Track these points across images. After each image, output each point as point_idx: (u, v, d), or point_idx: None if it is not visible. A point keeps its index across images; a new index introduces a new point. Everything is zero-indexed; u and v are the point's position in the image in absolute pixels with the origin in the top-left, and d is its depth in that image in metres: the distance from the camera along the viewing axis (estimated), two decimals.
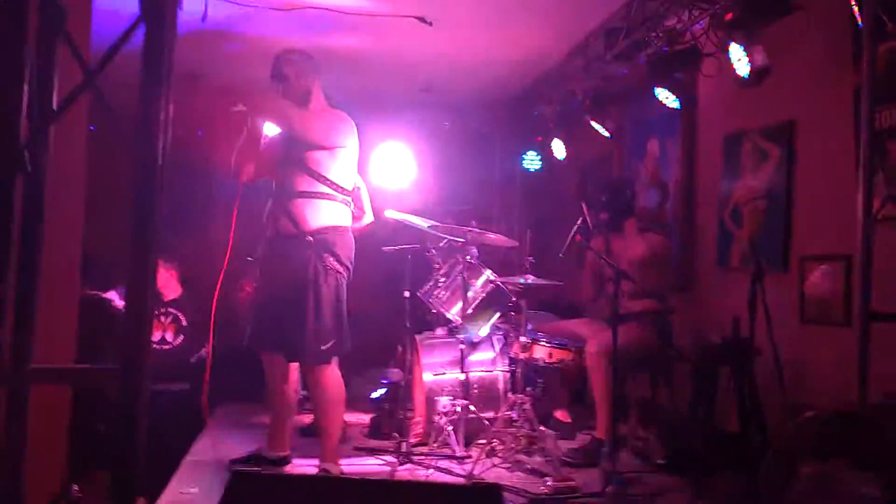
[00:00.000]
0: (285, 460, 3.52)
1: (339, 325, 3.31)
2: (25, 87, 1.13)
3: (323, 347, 3.26)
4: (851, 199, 2.64)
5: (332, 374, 3.36)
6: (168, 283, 5.23)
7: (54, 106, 1.27)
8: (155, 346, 5.10)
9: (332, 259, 3.26)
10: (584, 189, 6.33)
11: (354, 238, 3.43)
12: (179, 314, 5.24)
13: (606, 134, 5.01)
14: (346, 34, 4.46)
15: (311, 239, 3.24)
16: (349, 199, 3.42)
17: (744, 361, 3.47)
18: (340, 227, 3.35)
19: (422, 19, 4.10)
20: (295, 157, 3.31)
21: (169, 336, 5.19)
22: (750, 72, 3.31)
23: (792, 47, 3.34)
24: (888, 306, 2.77)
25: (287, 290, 3.26)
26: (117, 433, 1.19)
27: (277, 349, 3.38)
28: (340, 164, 3.33)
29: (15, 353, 1.26)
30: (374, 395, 4.44)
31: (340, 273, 3.32)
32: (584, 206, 3.89)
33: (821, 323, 3.41)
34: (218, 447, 3.99)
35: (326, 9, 3.98)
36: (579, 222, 3.67)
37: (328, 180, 3.29)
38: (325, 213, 3.29)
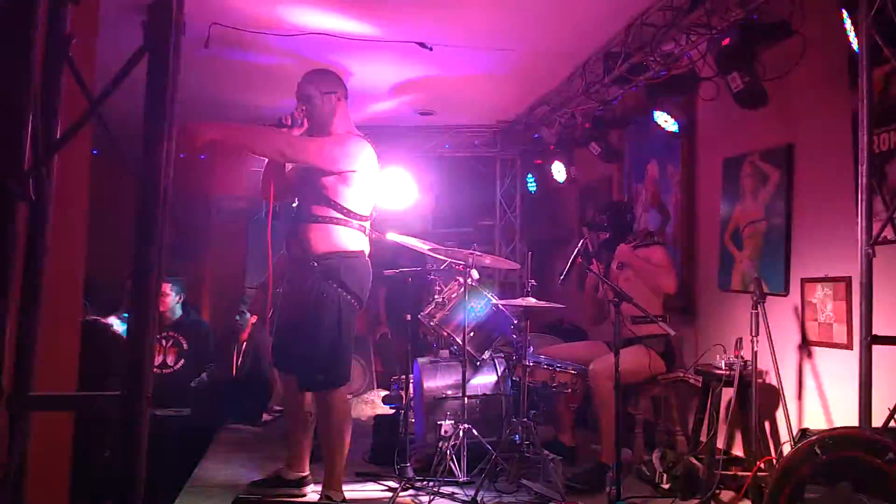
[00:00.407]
0: (303, 481, 3.53)
1: (337, 355, 3.26)
2: (30, 116, 1.14)
3: (320, 377, 3.23)
4: (851, 222, 2.65)
5: (336, 402, 3.31)
6: (169, 307, 5.23)
7: (58, 134, 1.29)
8: (155, 370, 5.09)
9: (335, 286, 3.21)
10: (585, 212, 6.35)
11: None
12: (181, 338, 5.24)
13: (598, 153, 5.05)
14: (348, 59, 4.50)
15: (317, 264, 3.22)
16: (365, 224, 3.35)
17: (747, 384, 3.46)
18: (351, 252, 3.27)
19: (422, 45, 4.14)
20: (308, 180, 3.30)
21: (170, 360, 5.18)
22: (745, 96, 3.34)
23: (789, 71, 3.37)
24: (890, 328, 2.77)
25: (295, 314, 3.30)
26: (118, 460, 1.18)
27: (290, 371, 3.43)
28: (354, 188, 3.27)
29: (16, 380, 1.26)
30: (376, 418, 4.41)
31: (346, 301, 3.25)
32: (584, 229, 3.91)
33: (823, 344, 3.40)
34: (221, 471, 3.97)
35: (327, 34, 4.03)
36: (580, 245, 3.67)
37: (339, 205, 3.24)
38: (334, 239, 3.24)
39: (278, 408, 5.58)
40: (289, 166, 3.42)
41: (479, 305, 4.01)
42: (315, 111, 3.31)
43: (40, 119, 1.22)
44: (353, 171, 3.25)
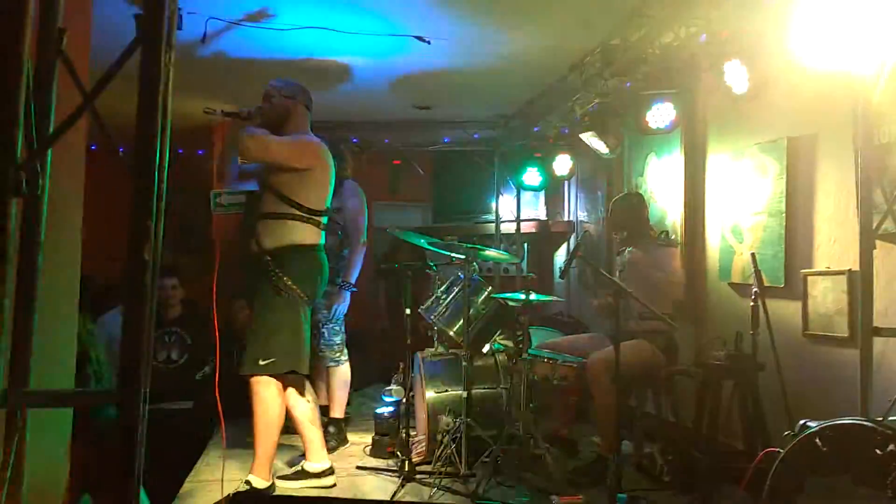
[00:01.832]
0: (328, 472, 3.65)
1: (282, 346, 3.37)
2: (22, 109, 1.13)
3: (261, 362, 3.36)
4: (851, 214, 2.64)
5: (265, 393, 3.41)
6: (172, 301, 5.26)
7: (52, 128, 1.28)
8: (160, 364, 5.12)
9: (285, 279, 3.36)
10: (585, 205, 6.35)
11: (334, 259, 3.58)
12: (184, 333, 5.26)
13: (605, 150, 5.02)
14: (345, 53, 4.49)
15: (269, 258, 3.38)
16: (319, 219, 3.49)
17: (747, 376, 3.45)
18: (303, 246, 3.42)
19: (420, 38, 4.12)
20: (264, 177, 3.51)
21: (174, 355, 5.21)
22: (749, 88, 3.32)
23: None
24: (889, 320, 2.76)
25: (251, 307, 3.54)
26: (116, 455, 1.18)
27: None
28: (309, 185, 3.44)
29: (12, 376, 1.25)
30: (377, 412, 4.42)
31: (295, 294, 3.38)
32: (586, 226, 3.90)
33: (824, 338, 3.39)
34: (224, 463, 3.97)
35: (325, 29, 4.01)
36: (580, 238, 3.67)
37: (293, 201, 3.40)
38: (287, 234, 3.40)
39: None
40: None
41: (479, 299, 4.01)
42: (272, 111, 3.51)
43: (33, 114, 1.21)
44: (309, 169, 3.44)
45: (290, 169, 3.41)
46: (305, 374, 3.49)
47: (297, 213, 3.41)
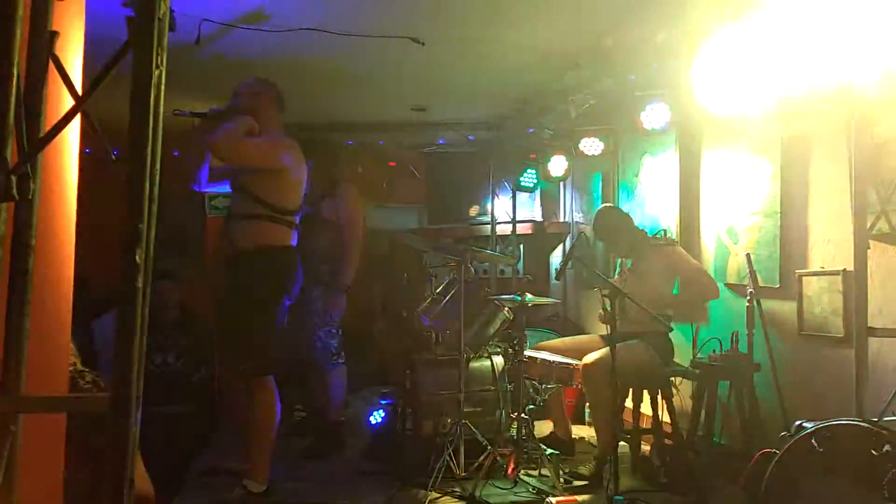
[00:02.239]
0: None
1: (256, 346, 3.35)
2: (12, 113, 1.12)
3: (242, 366, 3.36)
4: (846, 214, 2.65)
5: (259, 395, 3.38)
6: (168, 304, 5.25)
7: (43, 132, 1.27)
8: (157, 368, 5.11)
9: (258, 280, 3.35)
10: (581, 206, 6.35)
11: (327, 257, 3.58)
12: (180, 336, 5.25)
13: (600, 151, 5.03)
14: (339, 54, 4.48)
15: (243, 259, 3.38)
16: (291, 218, 3.48)
17: (743, 377, 3.46)
18: (275, 247, 3.41)
19: (415, 40, 4.12)
20: (236, 178, 3.52)
21: (170, 358, 5.20)
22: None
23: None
24: (884, 320, 2.77)
25: (227, 308, 3.50)
26: (108, 462, 1.17)
27: (225, 361, 3.71)
28: (281, 185, 3.43)
29: (5, 382, 1.24)
30: (373, 415, 4.41)
31: (268, 294, 3.39)
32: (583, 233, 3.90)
33: (819, 338, 3.40)
34: (221, 465, 3.97)
35: (319, 30, 4.00)
36: (575, 240, 3.66)
37: (265, 201, 3.39)
38: (259, 234, 3.39)
39: None
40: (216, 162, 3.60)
41: (475, 301, 4.00)
42: (239, 108, 3.49)
43: (24, 117, 1.20)
44: (280, 170, 3.43)
45: (261, 169, 3.42)
46: (267, 375, 3.42)
47: (269, 213, 3.39)
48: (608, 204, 5.00)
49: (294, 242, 3.53)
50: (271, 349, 3.41)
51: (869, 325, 2.59)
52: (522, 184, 6.03)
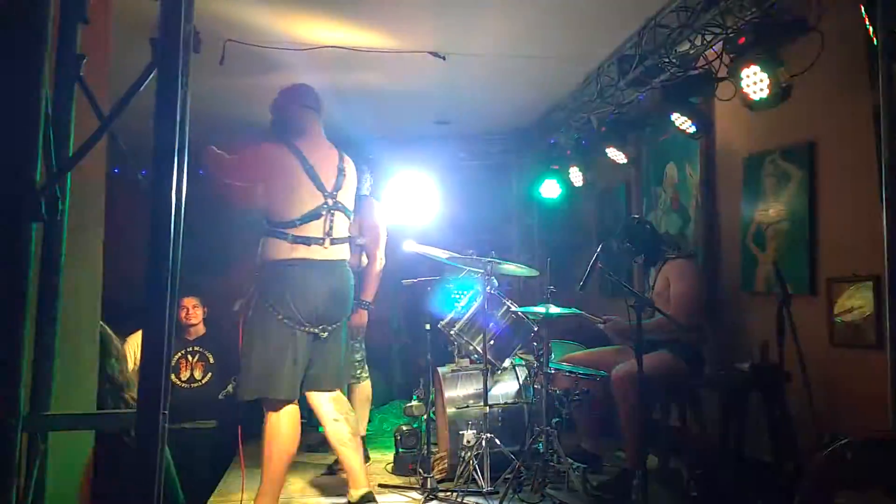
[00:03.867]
0: (366, 497, 3.37)
1: (250, 368, 3.17)
2: (41, 134, 1.14)
3: (239, 387, 3.23)
4: (876, 219, 2.59)
5: (269, 419, 3.22)
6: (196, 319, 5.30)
7: (71, 152, 1.30)
8: (184, 384, 5.16)
9: (257, 298, 3.20)
10: (603, 216, 6.31)
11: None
12: (207, 352, 5.30)
13: (623, 160, 5.00)
14: (362, 71, 4.52)
15: (253, 279, 3.26)
16: (288, 231, 3.21)
17: (774, 387, 3.39)
18: (273, 261, 3.18)
19: (436, 54, 4.15)
20: (257, 195, 3.34)
21: (197, 374, 5.24)
22: (768, 94, 3.28)
23: (808, 68, 3.32)
24: None
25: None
26: (136, 478, 1.18)
27: None
28: (270, 195, 3.25)
29: (33, 400, 1.26)
30: (397, 430, 4.40)
31: (269, 314, 3.15)
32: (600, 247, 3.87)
33: (852, 346, 3.33)
34: (246, 483, 3.98)
35: (341, 48, 4.05)
36: (599, 250, 3.64)
37: (262, 215, 3.24)
38: (261, 250, 3.24)
39: (301, 420, 5.59)
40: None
41: (499, 313, 3.99)
42: (274, 123, 3.37)
43: (52, 138, 1.23)
44: (260, 178, 3.25)
45: (249, 183, 3.31)
46: (281, 399, 3.20)
47: (267, 227, 3.22)
48: (634, 215, 4.97)
49: (304, 256, 3.20)
50: (276, 373, 3.15)
51: None
52: (544, 195, 6.01)
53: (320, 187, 3.26)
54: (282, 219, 3.20)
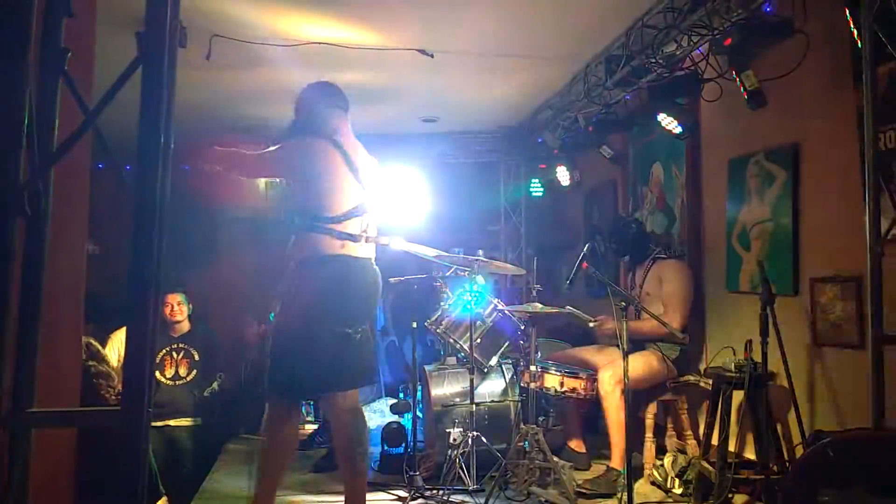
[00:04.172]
0: None
1: (271, 364, 3.07)
2: (25, 129, 1.13)
3: (281, 382, 3.08)
4: (859, 220, 2.62)
5: (267, 422, 3.13)
6: (180, 318, 5.27)
7: (55, 147, 1.28)
8: (169, 381, 5.13)
9: (296, 295, 3.08)
10: (590, 215, 6.33)
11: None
12: (191, 349, 5.26)
13: (610, 155, 5.03)
14: (349, 68, 4.51)
15: (290, 274, 3.15)
16: (332, 227, 3.10)
17: (758, 386, 3.42)
18: (314, 257, 3.08)
19: (423, 51, 4.14)
20: (286, 193, 3.29)
21: (182, 371, 5.21)
22: (747, 96, 3.32)
23: (792, 71, 3.35)
24: None
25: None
26: (119, 475, 1.17)
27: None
28: (309, 190, 3.14)
29: (16, 398, 1.25)
30: (384, 428, 4.39)
31: (308, 310, 3.04)
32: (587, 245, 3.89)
33: (834, 345, 3.36)
34: (230, 482, 3.97)
35: (329, 44, 4.03)
36: (585, 249, 3.65)
37: (303, 210, 3.13)
38: (301, 245, 3.12)
39: None
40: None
41: (486, 312, 4.00)
42: (302, 122, 3.28)
43: (36, 133, 1.21)
44: (303, 173, 3.13)
45: (288, 179, 3.25)
46: (302, 398, 3.16)
47: (308, 222, 3.11)
48: (621, 213, 4.99)
49: (348, 252, 3.12)
50: (308, 372, 3.01)
51: (884, 331, 2.55)
52: (532, 193, 6.03)
53: (362, 185, 3.23)
54: (327, 214, 3.11)
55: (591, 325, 4.06)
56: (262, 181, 6.45)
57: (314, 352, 3.01)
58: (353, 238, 3.14)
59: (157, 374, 5.08)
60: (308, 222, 3.10)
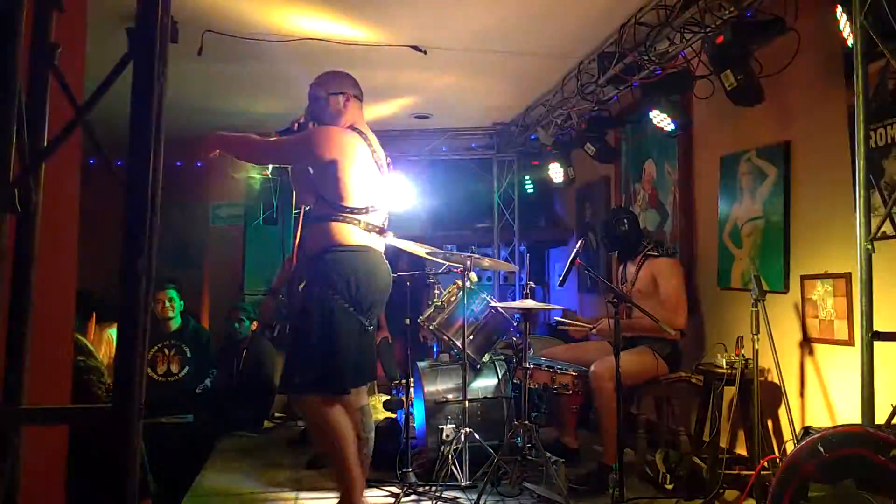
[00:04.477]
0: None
1: (319, 358, 2.93)
2: (14, 124, 1.12)
3: (297, 379, 2.96)
4: (850, 218, 2.64)
5: (315, 410, 2.98)
6: (171, 314, 5.25)
7: (45, 143, 1.27)
8: (160, 378, 5.11)
9: (321, 285, 2.97)
10: (583, 212, 6.34)
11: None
12: (183, 346, 5.25)
13: (593, 153, 5.04)
14: (342, 64, 4.49)
15: (311, 264, 3.07)
16: (359, 216, 3.04)
17: (749, 382, 3.44)
18: (342, 247, 2.99)
19: (416, 48, 4.14)
20: (303, 180, 3.17)
21: (174, 368, 5.19)
22: (739, 94, 3.34)
23: (784, 68, 3.36)
24: (891, 324, 2.75)
25: (294, 319, 3.20)
26: (110, 473, 1.17)
27: None
28: (338, 179, 3.01)
29: (6, 394, 1.24)
30: (377, 424, 4.39)
31: (333, 300, 2.95)
32: (581, 241, 3.90)
33: (824, 342, 3.38)
34: (222, 479, 3.96)
35: (321, 40, 4.02)
36: (578, 246, 3.66)
37: (326, 199, 3.03)
38: (325, 235, 3.01)
39: (279, 415, 5.57)
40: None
41: (479, 308, 4.00)
42: (321, 112, 3.17)
43: (26, 129, 1.20)
44: (333, 161, 3.01)
45: (312, 166, 3.07)
46: (338, 393, 2.98)
47: (333, 211, 3.01)
48: (613, 208, 4.99)
49: (373, 244, 3.08)
50: (336, 364, 2.94)
51: (874, 328, 2.57)
52: (526, 190, 6.03)
53: (384, 177, 3.18)
54: (355, 204, 3.04)
55: (593, 331, 4.08)
56: (256, 175, 6.43)
57: (351, 343, 2.97)
58: (379, 230, 3.11)
59: (149, 370, 5.06)
60: (331, 212, 3.02)
